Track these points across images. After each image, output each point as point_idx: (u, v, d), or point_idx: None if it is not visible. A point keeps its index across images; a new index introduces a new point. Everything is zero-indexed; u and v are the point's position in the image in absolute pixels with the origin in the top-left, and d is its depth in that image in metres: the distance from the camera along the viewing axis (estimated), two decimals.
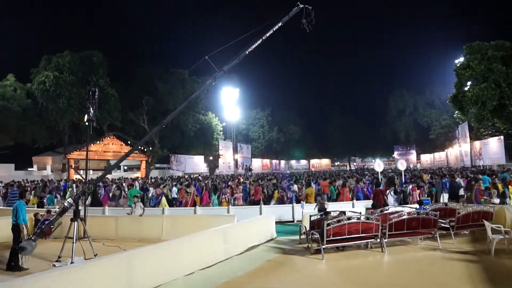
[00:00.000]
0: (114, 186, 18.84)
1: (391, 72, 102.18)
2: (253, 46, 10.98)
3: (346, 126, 74.94)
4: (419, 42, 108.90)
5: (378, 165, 18.00)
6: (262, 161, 72.92)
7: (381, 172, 18.25)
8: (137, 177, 34.26)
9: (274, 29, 11.15)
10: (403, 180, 17.17)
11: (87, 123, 9.79)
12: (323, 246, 8.35)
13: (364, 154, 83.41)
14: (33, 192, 17.09)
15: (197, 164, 52.22)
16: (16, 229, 8.06)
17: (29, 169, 44.67)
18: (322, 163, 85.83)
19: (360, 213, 10.20)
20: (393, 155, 72.65)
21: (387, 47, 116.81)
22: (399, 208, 10.51)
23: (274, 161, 78.94)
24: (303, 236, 9.96)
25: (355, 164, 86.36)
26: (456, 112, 39.51)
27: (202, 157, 53.74)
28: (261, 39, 11.02)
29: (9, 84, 35.45)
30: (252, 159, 66.66)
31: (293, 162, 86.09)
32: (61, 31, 74.69)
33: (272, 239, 10.58)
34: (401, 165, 17.47)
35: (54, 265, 7.74)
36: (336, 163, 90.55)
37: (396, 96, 69.19)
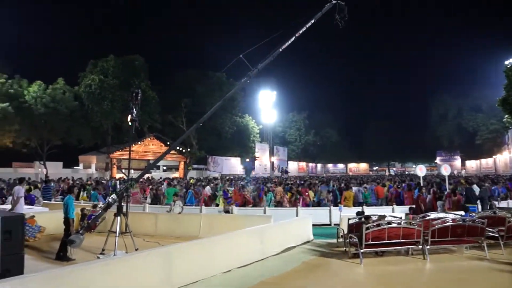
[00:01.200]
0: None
1: (433, 74, 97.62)
2: (286, 44, 10.94)
3: (384, 130, 72.72)
4: (463, 41, 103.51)
5: (420, 169, 17.31)
6: (298, 164, 72.49)
7: (423, 178, 17.54)
8: (175, 177, 35.21)
9: (307, 26, 11.05)
10: (447, 186, 16.42)
11: (130, 123, 10.12)
12: (362, 250, 8.13)
13: (404, 159, 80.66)
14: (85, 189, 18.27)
15: (233, 165, 52.80)
16: (67, 222, 8.53)
17: (75, 167, 47.12)
18: (360, 168, 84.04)
19: (401, 218, 9.87)
20: (435, 161, 69.72)
21: (428, 48, 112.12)
22: (442, 214, 10.04)
23: (310, 164, 78.18)
24: (340, 240, 9.76)
25: (394, 169, 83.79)
26: (506, 116, 37.23)
27: (238, 159, 54.27)
28: (294, 37, 10.97)
29: (59, 87, 37.57)
30: (288, 161, 66.43)
31: (329, 166, 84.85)
32: (106, 37, 78.41)
33: (308, 241, 10.46)
34: (445, 170, 16.65)
35: (98, 257, 8.10)
36: (374, 168, 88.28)
37: (438, 99, 66.33)
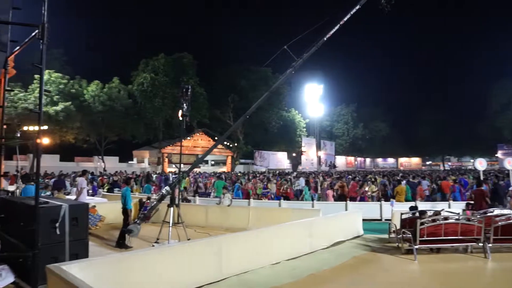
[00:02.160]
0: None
1: (492, 60, 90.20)
2: (331, 32, 10.67)
3: (438, 122, 68.67)
4: None
5: (479, 163, 16.17)
6: (346, 158, 70.95)
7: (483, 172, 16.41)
8: (223, 171, 35.98)
9: (351, 13, 10.69)
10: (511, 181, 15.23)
11: (181, 118, 10.48)
12: (416, 246, 7.82)
13: (461, 152, 75.85)
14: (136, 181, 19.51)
15: (280, 160, 52.89)
16: (125, 212, 9.07)
17: (130, 162, 49.67)
18: (411, 162, 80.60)
19: (458, 213, 9.36)
20: (496, 155, 64.90)
21: (487, 31, 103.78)
22: (506, 211, 9.35)
23: (359, 158, 76.21)
24: (392, 235, 9.44)
25: (449, 163, 79.24)
26: None
27: (285, 153, 54.24)
28: (338, 24, 10.66)
29: (115, 86, 39.75)
30: (336, 156, 65.23)
31: (379, 160, 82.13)
32: (157, 36, 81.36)
33: (358, 236, 10.25)
34: (509, 164, 15.43)
35: (153, 245, 8.50)
36: (427, 162, 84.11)
37: (498, 87, 61.06)
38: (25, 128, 28.02)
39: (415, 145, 75.70)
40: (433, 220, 7.93)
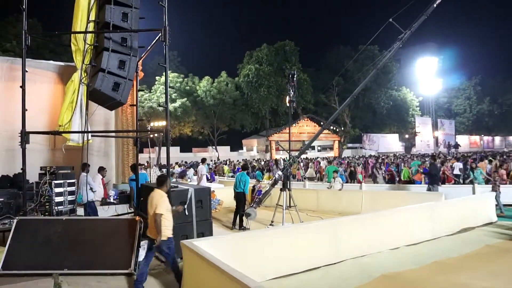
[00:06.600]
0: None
1: None
2: None
3: None
4: None
5: None
6: (469, 138, 63.18)
7: None
8: (331, 157, 35.55)
9: None
10: None
11: (288, 104, 10.66)
12: None
13: None
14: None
15: (390, 143, 49.85)
16: (242, 196, 9.63)
17: (240, 150, 52.52)
18: None
19: None
20: None
21: None
22: None
23: (485, 138, 67.16)
24: None
25: None
26: None
27: (396, 135, 50.92)
28: None
29: (223, 80, 42.43)
30: (457, 136, 58.61)
31: None
32: (259, 27, 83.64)
33: (491, 223, 9.12)
34: None
35: (268, 227, 8.89)
36: None
37: None
38: (151, 124, 31.85)
39: None
40: None
